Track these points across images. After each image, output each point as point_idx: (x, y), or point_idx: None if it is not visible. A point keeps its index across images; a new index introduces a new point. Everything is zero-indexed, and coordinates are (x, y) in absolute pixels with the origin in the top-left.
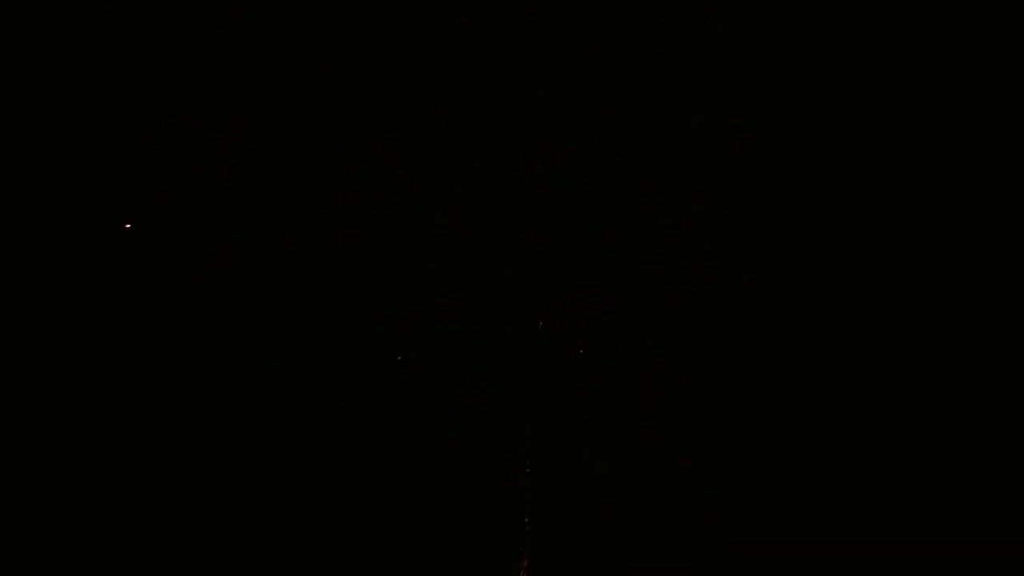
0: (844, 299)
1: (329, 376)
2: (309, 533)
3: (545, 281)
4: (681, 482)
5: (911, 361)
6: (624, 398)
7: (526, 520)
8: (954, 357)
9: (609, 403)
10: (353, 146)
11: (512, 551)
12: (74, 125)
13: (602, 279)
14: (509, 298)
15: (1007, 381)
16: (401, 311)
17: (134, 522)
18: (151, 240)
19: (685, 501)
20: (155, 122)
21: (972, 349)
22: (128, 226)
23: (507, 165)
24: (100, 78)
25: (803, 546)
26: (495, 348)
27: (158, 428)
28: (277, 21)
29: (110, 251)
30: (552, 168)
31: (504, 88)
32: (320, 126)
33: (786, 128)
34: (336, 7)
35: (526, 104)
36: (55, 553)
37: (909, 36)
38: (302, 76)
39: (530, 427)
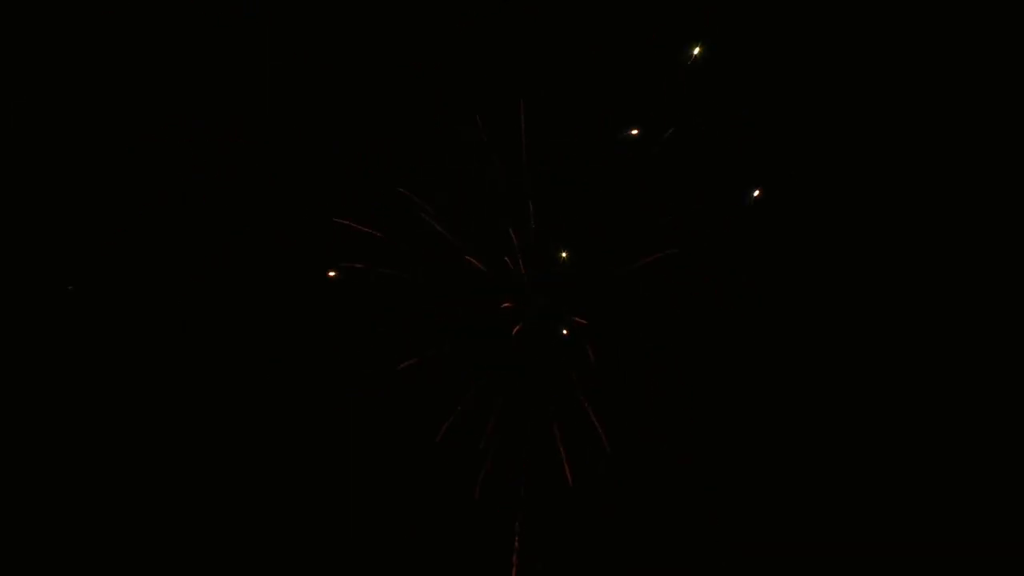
0: (844, 299)
1: (328, 375)
2: (308, 531)
3: (544, 279)
4: (681, 482)
5: (911, 361)
6: (624, 397)
7: (524, 519)
8: (954, 357)
9: (609, 403)
10: (353, 146)
11: (510, 550)
12: (75, 125)
13: (602, 278)
14: (510, 297)
15: (1007, 381)
16: (402, 312)
17: (134, 520)
18: (151, 240)
19: (685, 501)
20: (155, 122)
21: (972, 349)
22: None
23: (507, 166)
24: (100, 78)
25: (803, 546)
26: (495, 348)
27: (157, 427)
28: (277, 21)
29: (110, 251)
30: (552, 168)
31: (504, 89)
32: (320, 126)
33: (786, 128)
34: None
35: (527, 105)
36: (55, 552)
37: (909, 36)
38: (302, 76)
39: (529, 427)
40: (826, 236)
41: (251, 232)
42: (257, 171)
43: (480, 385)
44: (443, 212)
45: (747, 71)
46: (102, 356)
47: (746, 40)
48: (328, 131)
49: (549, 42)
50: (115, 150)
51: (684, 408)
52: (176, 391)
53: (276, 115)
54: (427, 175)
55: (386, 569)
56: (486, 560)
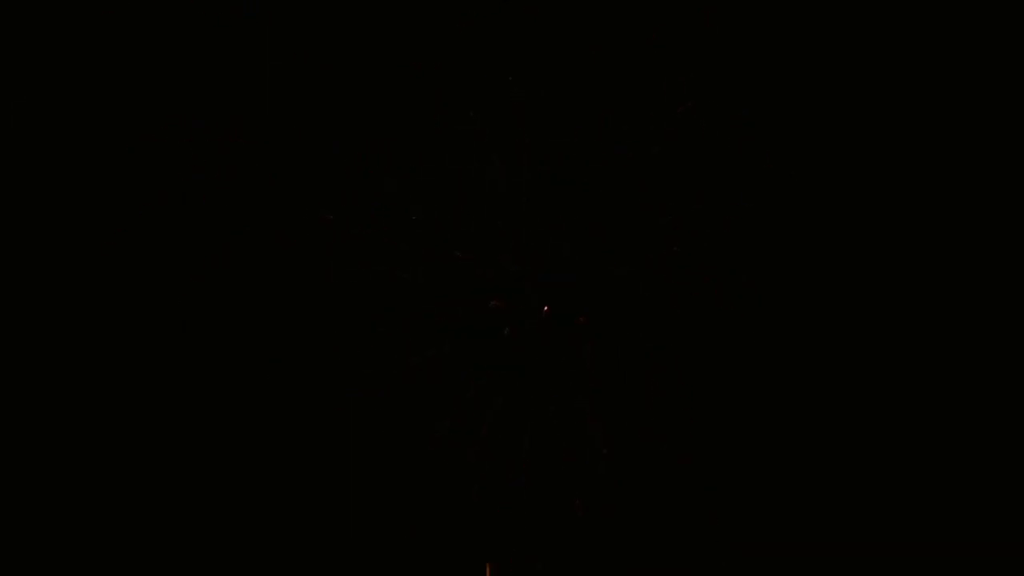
0: (843, 299)
1: (327, 375)
2: (307, 531)
3: (543, 278)
4: (681, 482)
5: (911, 361)
6: (624, 397)
7: (523, 520)
8: (954, 357)
9: (609, 403)
10: (353, 146)
11: (509, 551)
12: (74, 125)
13: (602, 279)
14: (505, 297)
15: (1007, 381)
16: (403, 312)
17: (133, 521)
18: (151, 240)
19: (685, 501)
20: (155, 122)
21: (972, 349)
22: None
23: (507, 167)
24: (101, 79)
25: (803, 546)
26: (494, 348)
27: (157, 427)
28: (277, 21)
29: (110, 251)
30: (552, 169)
31: (503, 88)
32: (320, 126)
33: (786, 128)
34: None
35: (527, 105)
36: (55, 553)
37: (909, 36)
38: (302, 76)
39: (529, 427)
40: (827, 236)
41: (251, 232)
42: (257, 171)
43: (480, 385)
44: (441, 211)
45: (747, 71)
46: (102, 356)
47: (746, 40)
48: (328, 131)
49: (548, 42)
50: (115, 150)
51: (684, 408)
52: (176, 391)
53: (276, 115)
54: (427, 175)
55: (385, 569)
56: (485, 561)
